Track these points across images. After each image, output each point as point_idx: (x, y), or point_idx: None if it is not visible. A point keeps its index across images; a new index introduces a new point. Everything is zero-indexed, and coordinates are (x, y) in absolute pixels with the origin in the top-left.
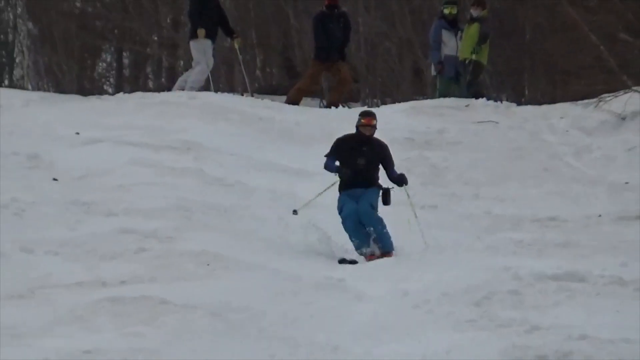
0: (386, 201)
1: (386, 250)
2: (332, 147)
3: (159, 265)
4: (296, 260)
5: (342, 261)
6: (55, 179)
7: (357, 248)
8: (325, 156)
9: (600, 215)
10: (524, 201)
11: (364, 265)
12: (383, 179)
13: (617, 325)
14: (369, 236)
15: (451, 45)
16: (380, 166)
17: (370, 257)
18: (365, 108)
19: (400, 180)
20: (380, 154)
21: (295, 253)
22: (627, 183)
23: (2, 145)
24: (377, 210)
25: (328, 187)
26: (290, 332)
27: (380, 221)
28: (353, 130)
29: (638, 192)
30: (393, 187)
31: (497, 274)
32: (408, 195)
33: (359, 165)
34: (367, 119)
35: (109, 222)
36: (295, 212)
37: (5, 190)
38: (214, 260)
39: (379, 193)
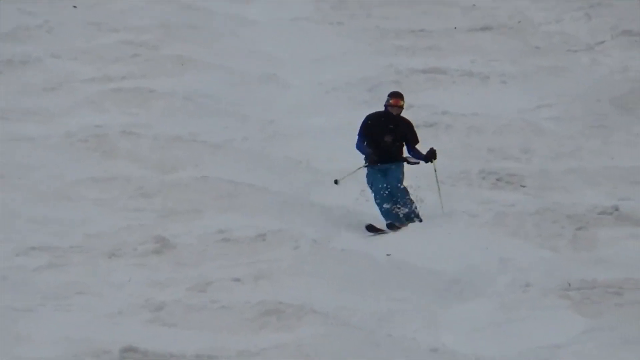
0: (410, 162)
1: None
2: (363, 125)
3: (148, 66)
4: (245, 60)
5: (370, 228)
6: (75, 6)
7: (388, 221)
8: (358, 135)
9: (455, 28)
10: (403, 18)
11: (289, 65)
12: None
13: (468, 103)
14: (397, 215)
15: None
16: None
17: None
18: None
19: (428, 157)
20: (406, 132)
21: (245, 55)
22: (474, 5)
23: None
24: (402, 182)
25: (360, 167)
26: (240, 110)
27: (406, 194)
28: None
29: (483, 11)
30: (407, 158)
31: (383, 69)
32: (435, 169)
33: (387, 142)
34: (395, 99)
35: (114, 36)
36: (336, 181)
37: (39, 15)
38: (186, 62)
39: (403, 166)
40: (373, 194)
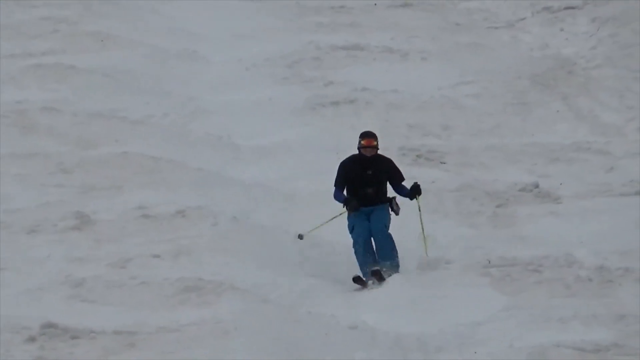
0: (395, 212)
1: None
2: (339, 173)
3: (68, 42)
4: (165, 36)
5: (357, 280)
6: None
7: (363, 269)
8: (334, 185)
9: (375, 4)
10: None
11: (209, 41)
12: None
13: (388, 79)
14: (375, 261)
15: None
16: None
17: (374, 272)
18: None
19: (412, 193)
20: (387, 171)
21: (165, 31)
22: None
23: None
24: (389, 226)
25: (336, 216)
26: (160, 86)
27: (390, 241)
28: None
29: None
30: (395, 197)
31: (304, 45)
32: (419, 208)
33: (367, 189)
34: (367, 140)
35: (33, 12)
36: (300, 236)
37: None
38: (106, 38)
39: (389, 209)
40: (353, 240)
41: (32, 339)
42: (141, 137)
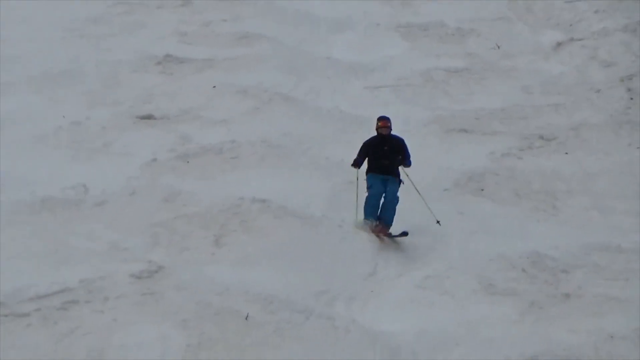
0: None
1: (386, 224)
2: (361, 149)
3: None
4: None
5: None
6: None
7: (366, 219)
8: (357, 156)
9: None
10: None
11: None
12: None
13: None
14: (377, 217)
15: None
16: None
17: (374, 229)
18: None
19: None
20: (399, 147)
21: None
22: None
23: None
24: (397, 192)
25: (357, 177)
26: None
27: (395, 204)
28: None
29: None
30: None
31: None
32: (415, 187)
33: (384, 161)
34: (383, 122)
35: None
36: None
37: None
38: None
39: (399, 184)
40: (368, 194)
41: (159, 63)
42: None
